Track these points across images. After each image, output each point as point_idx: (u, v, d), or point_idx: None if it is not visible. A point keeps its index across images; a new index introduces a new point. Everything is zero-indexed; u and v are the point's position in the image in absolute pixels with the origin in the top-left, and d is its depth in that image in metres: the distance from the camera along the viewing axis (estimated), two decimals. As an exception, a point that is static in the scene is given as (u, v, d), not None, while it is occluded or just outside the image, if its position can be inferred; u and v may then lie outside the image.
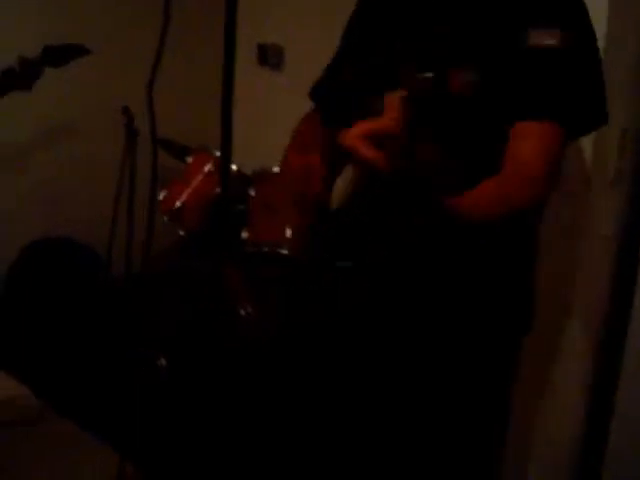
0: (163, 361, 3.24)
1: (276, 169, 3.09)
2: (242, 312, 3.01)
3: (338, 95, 1.67)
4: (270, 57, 4.43)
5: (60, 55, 2.70)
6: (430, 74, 1.20)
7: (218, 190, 3.28)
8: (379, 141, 1.26)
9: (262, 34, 4.43)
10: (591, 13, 1.53)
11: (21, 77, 2.60)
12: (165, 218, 3.40)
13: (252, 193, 3.09)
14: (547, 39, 1.39)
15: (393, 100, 1.18)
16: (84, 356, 3.54)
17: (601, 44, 1.66)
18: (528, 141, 1.40)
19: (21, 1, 3.84)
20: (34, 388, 3.29)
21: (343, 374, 1.74)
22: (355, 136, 1.24)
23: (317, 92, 1.77)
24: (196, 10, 4.49)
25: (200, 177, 3.36)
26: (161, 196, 3.46)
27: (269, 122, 4.10)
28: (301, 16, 4.29)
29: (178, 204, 3.32)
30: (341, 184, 1.59)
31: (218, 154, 3.48)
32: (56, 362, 3.52)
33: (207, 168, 3.33)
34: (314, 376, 2.45)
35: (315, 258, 1.64)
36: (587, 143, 2.40)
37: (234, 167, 3.32)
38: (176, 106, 4.62)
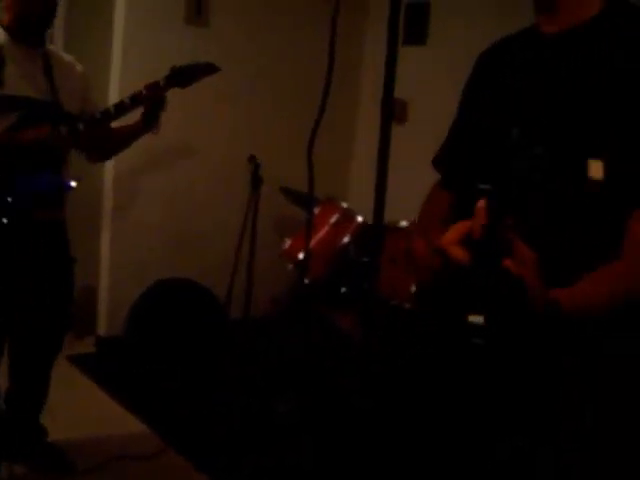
0: (282, 407, 3.29)
1: (403, 223, 3.14)
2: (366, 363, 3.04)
3: (457, 163, 1.70)
4: (395, 111, 4.51)
5: (187, 75, 2.68)
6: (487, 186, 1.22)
7: (345, 240, 3.37)
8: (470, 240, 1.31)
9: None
10: None
11: (148, 100, 2.61)
12: (290, 266, 3.49)
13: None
14: None
15: (480, 206, 1.24)
16: (203, 397, 3.63)
17: None
18: None
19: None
20: (153, 425, 3.37)
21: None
22: (448, 241, 1.30)
23: (439, 160, 1.81)
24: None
25: (326, 228, 3.43)
26: (287, 244, 3.55)
27: (393, 174, 4.16)
28: (425, 72, 4.37)
29: (303, 254, 3.40)
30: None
31: (345, 205, 3.56)
32: (176, 401, 3.61)
33: (334, 219, 3.41)
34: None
35: (442, 316, 1.63)
36: None
37: (360, 219, 3.39)
38: (302, 157, 4.73)
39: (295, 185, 3.98)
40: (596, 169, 1.34)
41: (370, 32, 4.85)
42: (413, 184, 3.79)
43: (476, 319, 1.20)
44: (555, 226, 1.40)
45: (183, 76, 2.65)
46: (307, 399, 3.29)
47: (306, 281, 3.25)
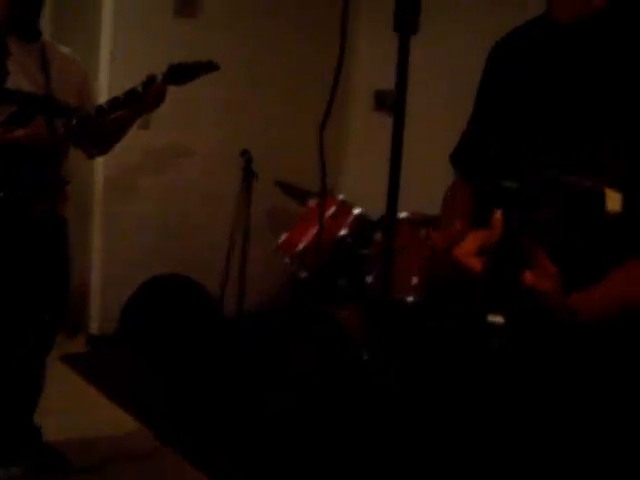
0: (276, 404, 3.23)
1: (402, 214, 3.09)
2: (364, 356, 3.00)
3: (479, 159, 1.66)
4: (387, 102, 4.48)
5: (185, 73, 2.67)
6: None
7: (342, 233, 3.32)
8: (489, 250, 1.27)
9: (379, 81, 4.51)
10: None
11: (144, 97, 2.60)
12: (287, 260, 3.44)
13: (378, 238, 3.09)
14: None
15: (497, 216, 1.19)
16: (198, 395, 3.58)
17: None
18: None
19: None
20: (148, 424, 3.32)
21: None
22: (464, 251, 1.26)
23: (458, 157, 1.77)
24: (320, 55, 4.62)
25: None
26: (283, 238, 3.50)
27: (385, 165, 4.13)
28: (418, 64, 4.33)
29: (300, 247, 3.35)
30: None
31: (341, 198, 3.51)
32: (171, 399, 3.55)
33: (330, 212, 3.36)
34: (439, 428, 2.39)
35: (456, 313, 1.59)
36: None
37: (357, 211, 3.35)
38: (296, 150, 4.71)
39: (289, 178, 3.94)
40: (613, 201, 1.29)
41: (361, 21, 4.80)
42: (408, 175, 3.76)
43: (496, 319, 1.15)
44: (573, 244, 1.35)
45: (181, 74, 2.62)
46: (303, 395, 3.24)
47: (303, 274, 3.20)
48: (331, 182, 4.44)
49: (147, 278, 4.02)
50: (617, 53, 1.35)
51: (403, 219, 3.00)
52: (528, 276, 1.13)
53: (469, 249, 1.23)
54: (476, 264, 1.20)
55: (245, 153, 4.08)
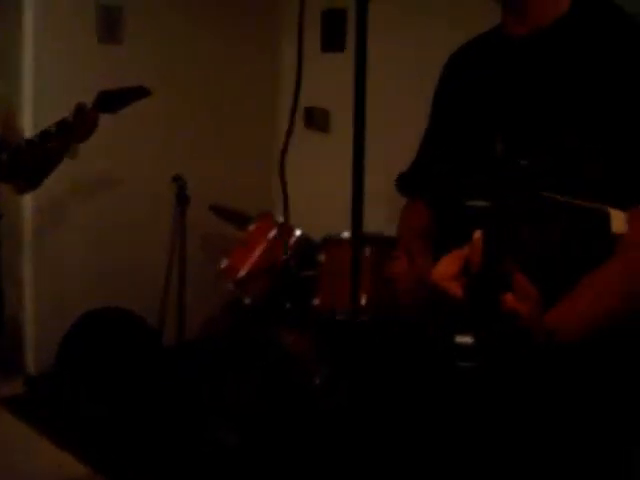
0: (234, 438, 3.15)
1: (345, 234, 3.06)
2: (316, 381, 2.95)
3: (436, 176, 1.63)
4: (316, 120, 4.47)
5: (117, 100, 2.62)
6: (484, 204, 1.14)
7: (284, 257, 3.28)
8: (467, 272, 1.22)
9: (308, 98, 4.50)
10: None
11: (75, 127, 2.53)
12: (230, 286, 3.37)
13: (322, 259, 3.06)
14: None
15: (477, 237, 1.16)
16: (140, 426, 3.48)
17: None
18: None
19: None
20: (94, 465, 3.20)
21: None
22: (441, 275, 1.22)
23: (408, 182, 1.74)
24: (251, 75, 4.59)
25: (264, 244, 3.34)
26: (224, 264, 3.43)
27: (315, 182, 4.12)
28: (345, 80, 4.33)
29: (243, 273, 3.30)
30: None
31: (281, 220, 3.46)
32: (115, 438, 3.44)
33: (271, 235, 3.32)
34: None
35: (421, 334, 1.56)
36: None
37: (300, 232, 3.31)
38: (229, 173, 4.66)
39: (224, 202, 3.87)
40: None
41: (285, 40, 4.80)
42: (338, 193, 3.75)
43: (464, 339, 1.12)
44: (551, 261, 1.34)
45: (113, 101, 2.56)
46: (246, 423, 3.19)
47: (247, 300, 3.15)
48: (269, 203, 4.43)
49: (83, 312, 3.91)
50: (571, 63, 1.37)
51: (347, 239, 2.98)
52: (508, 298, 1.11)
53: (448, 272, 1.20)
54: (456, 288, 1.17)
55: (178, 179, 4.00)
